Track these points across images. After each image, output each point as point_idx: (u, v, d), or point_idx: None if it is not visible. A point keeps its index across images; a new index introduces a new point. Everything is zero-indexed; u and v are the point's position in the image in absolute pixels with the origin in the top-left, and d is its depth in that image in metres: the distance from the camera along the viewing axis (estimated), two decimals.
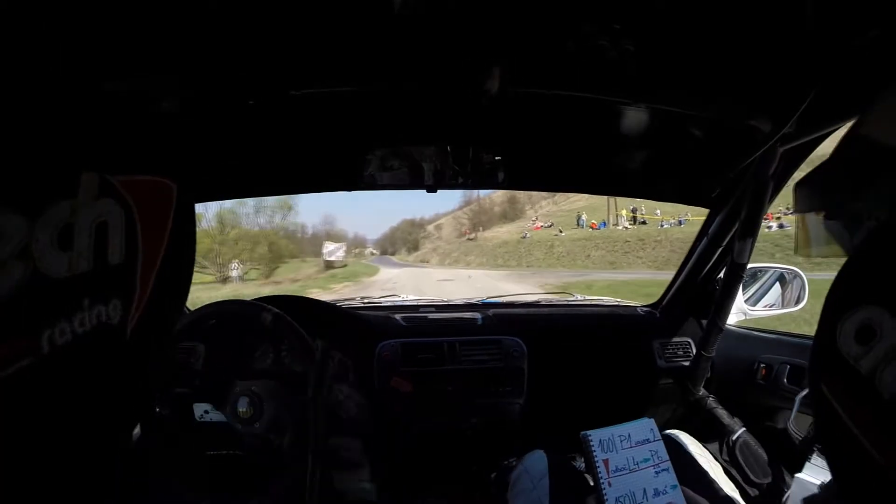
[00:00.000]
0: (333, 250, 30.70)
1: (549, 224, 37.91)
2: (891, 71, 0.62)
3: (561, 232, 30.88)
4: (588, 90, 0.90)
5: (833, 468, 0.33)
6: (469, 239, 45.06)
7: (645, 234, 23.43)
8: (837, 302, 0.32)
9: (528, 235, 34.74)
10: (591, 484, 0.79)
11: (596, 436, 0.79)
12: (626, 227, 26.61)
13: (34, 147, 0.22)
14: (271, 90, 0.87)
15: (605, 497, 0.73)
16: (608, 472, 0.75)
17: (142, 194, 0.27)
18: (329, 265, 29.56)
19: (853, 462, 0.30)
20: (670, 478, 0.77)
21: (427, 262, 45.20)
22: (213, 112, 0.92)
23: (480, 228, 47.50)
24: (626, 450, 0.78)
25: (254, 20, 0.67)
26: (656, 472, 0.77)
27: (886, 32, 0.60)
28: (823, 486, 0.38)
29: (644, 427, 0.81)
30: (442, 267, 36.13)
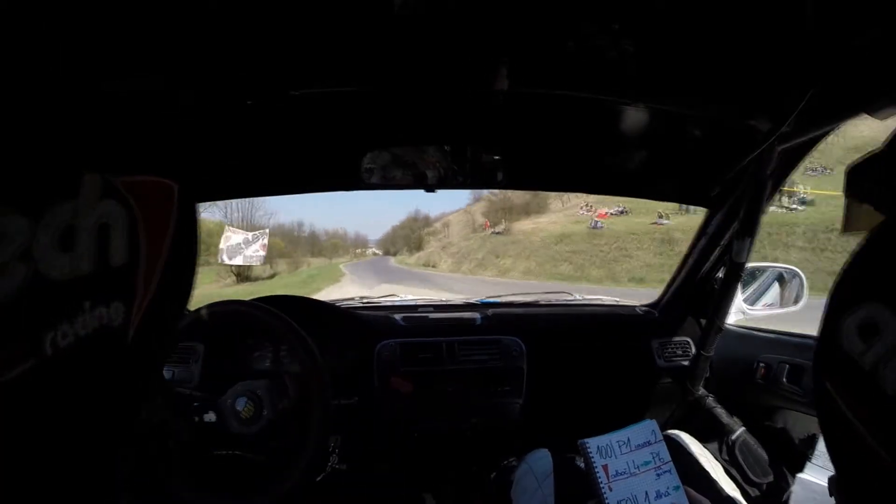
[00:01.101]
0: (237, 246, 13.92)
1: (621, 210, 25.42)
2: (891, 71, 0.62)
3: (662, 218, 20.18)
4: (587, 90, 0.91)
5: (837, 464, 0.33)
6: (497, 233, 31.06)
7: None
8: (841, 299, 0.32)
9: (600, 225, 22.73)
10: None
11: (593, 443, 0.78)
12: (796, 208, 16.78)
13: (36, 148, 0.22)
14: (271, 90, 0.87)
15: (607, 501, 0.73)
16: (608, 478, 0.75)
17: (144, 195, 0.27)
18: (241, 274, 17.24)
19: (857, 458, 0.30)
20: (672, 479, 0.77)
21: (434, 265, 32.89)
22: (213, 112, 0.92)
23: (504, 221, 33.48)
24: (626, 454, 0.77)
25: (254, 20, 0.67)
26: (658, 475, 0.76)
27: (886, 32, 0.60)
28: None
29: (645, 429, 0.81)
30: (458, 275, 24.45)
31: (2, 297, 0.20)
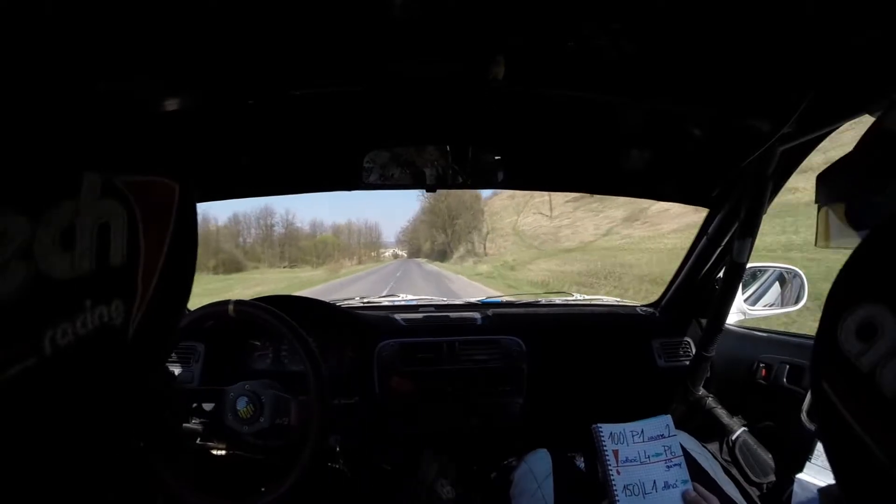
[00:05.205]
0: None
1: None
2: (891, 71, 0.62)
3: None
4: (588, 90, 0.91)
5: (835, 466, 0.33)
6: None
7: None
8: (839, 299, 0.32)
9: None
10: (599, 476, 0.79)
11: (607, 429, 0.78)
12: None
13: (36, 147, 0.22)
14: (271, 90, 0.87)
15: (613, 484, 0.73)
16: (617, 462, 0.75)
17: (144, 195, 0.27)
18: None
19: (855, 460, 0.30)
20: (682, 473, 0.76)
21: None
22: (213, 112, 0.92)
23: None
24: (638, 444, 0.77)
25: (254, 20, 0.67)
26: (668, 467, 0.76)
27: (886, 32, 0.60)
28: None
29: (659, 424, 0.80)
30: None
31: (2, 296, 0.20)
